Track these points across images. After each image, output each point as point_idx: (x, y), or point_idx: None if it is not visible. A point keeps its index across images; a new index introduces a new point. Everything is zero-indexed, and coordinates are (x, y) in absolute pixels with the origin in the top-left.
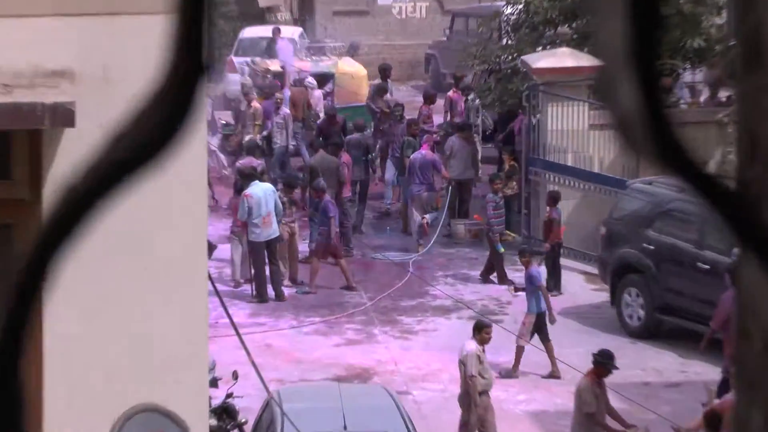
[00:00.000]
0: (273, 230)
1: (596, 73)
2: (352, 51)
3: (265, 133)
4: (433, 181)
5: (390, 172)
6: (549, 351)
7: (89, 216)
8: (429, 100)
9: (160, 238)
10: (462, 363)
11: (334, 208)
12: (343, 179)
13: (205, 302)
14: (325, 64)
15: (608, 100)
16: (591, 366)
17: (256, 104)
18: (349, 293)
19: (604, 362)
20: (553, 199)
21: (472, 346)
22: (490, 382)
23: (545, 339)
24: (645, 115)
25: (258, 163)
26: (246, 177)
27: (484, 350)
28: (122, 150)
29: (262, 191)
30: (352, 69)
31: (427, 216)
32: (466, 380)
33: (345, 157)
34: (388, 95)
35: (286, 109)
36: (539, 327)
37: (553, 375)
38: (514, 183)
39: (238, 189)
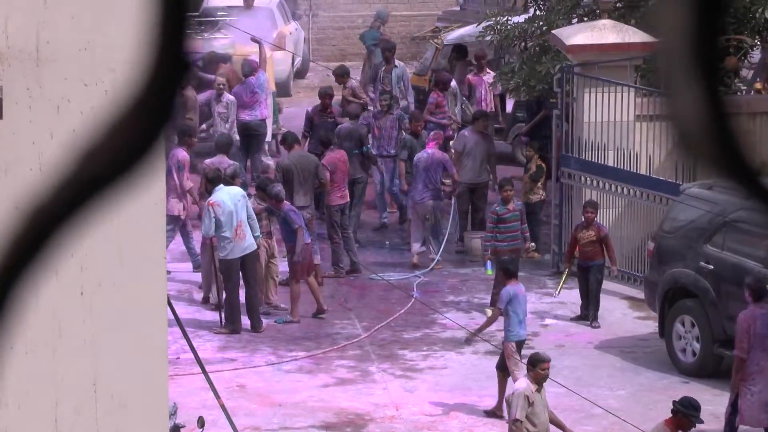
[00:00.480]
0: (248, 243)
1: (652, 53)
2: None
3: (204, 126)
4: (441, 186)
5: (376, 177)
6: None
7: (58, 240)
8: (442, 85)
9: (108, 254)
10: (507, 403)
11: (298, 216)
12: (325, 180)
13: (163, 333)
14: (219, 44)
15: (665, 89)
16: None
17: (189, 92)
18: (340, 322)
19: (687, 414)
20: (595, 208)
21: (523, 383)
22: (544, 429)
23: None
24: (705, 109)
25: (230, 163)
26: (210, 181)
27: (540, 389)
28: (95, 166)
29: (229, 197)
30: (254, 50)
31: (419, 246)
32: (510, 426)
33: (331, 156)
34: (352, 80)
35: (229, 96)
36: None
37: (495, 413)
38: (540, 187)
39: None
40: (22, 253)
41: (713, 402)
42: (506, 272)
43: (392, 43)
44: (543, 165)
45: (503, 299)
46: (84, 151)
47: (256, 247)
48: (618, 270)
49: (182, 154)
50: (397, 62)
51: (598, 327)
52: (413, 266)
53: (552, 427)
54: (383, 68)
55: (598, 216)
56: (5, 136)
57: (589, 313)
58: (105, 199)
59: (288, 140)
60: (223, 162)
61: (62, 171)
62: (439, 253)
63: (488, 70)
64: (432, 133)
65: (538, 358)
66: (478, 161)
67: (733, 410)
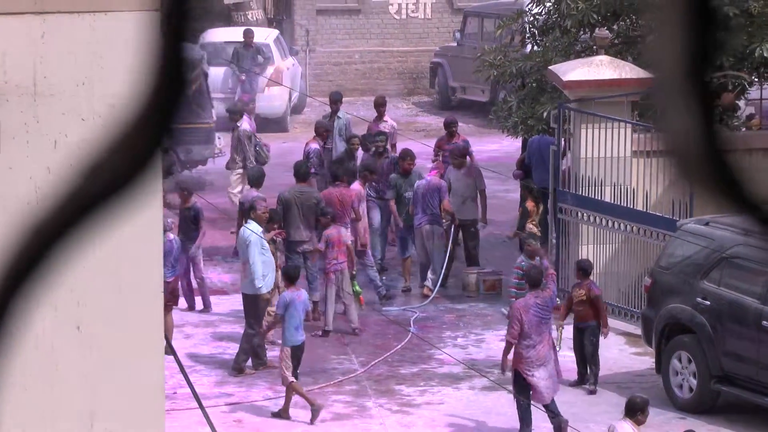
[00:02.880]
0: (245, 284)
1: (648, 87)
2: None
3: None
4: (439, 212)
5: (376, 218)
6: (297, 390)
7: (59, 257)
8: (447, 127)
9: (104, 286)
10: None
11: (178, 249)
12: (328, 215)
13: (160, 368)
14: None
15: (661, 121)
16: None
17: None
18: (337, 357)
19: None
20: (584, 271)
21: (626, 428)
22: None
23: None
24: (701, 140)
25: (254, 196)
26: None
27: None
28: (98, 182)
29: (241, 233)
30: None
31: (428, 282)
32: None
33: (326, 191)
34: None
35: (244, 124)
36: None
37: (281, 414)
38: (529, 224)
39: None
40: (24, 267)
41: None
42: (286, 278)
43: (339, 93)
44: (528, 207)
45: (281, 305)
46: (87, 165)
47: (252, 291)
48: (609, 332)
49: (358, 187)
50: (340, 113)
51: (595, 392)
52: (423, 297)
53: None
54: (328, 118)
55: (594, 252)
56: (2, 170)
57: (587, 374)
58: (104, 217)
59: (300, 172)
60: (248, 195)
61: (64, 186)
62: (436, 288)
63: None
64: (435, 162)
65: (638, 404)
66: (458, 198)
67: (519, 390)
